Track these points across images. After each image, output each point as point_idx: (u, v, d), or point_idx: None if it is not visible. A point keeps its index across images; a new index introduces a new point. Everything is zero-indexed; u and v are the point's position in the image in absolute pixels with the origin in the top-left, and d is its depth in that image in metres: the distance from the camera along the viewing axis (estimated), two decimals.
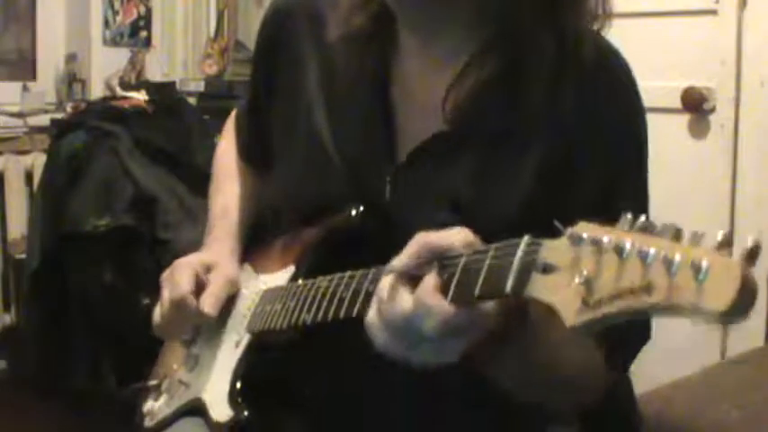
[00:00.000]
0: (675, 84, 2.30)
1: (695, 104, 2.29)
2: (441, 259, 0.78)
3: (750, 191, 2.23)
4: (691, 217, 2.29)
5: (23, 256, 2.97)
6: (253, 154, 1.24)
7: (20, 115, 3.19)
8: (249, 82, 1.23)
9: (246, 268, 1.16)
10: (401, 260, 0.80)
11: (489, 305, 0.76)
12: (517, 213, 0.95)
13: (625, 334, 0.79)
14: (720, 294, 0.55)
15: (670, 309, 0.57)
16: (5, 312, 3.20)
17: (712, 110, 2.29)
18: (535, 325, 0.81)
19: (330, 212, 1.02)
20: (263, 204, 1.23)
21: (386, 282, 0.80)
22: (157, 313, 1.11)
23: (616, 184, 0.97)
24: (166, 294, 1.09)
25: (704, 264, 0.55)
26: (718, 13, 2.25)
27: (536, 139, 0.96)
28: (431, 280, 0.77)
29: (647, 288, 0.58)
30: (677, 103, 2.30)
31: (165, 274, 1.11)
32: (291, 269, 1.05)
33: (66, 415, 2.73)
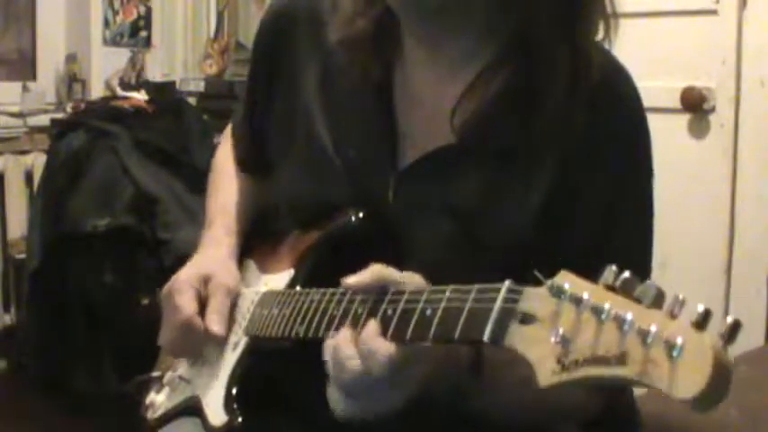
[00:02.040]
0: (675, 84, 2.30)
1: (695, 104, 2.29)
2: (393, 294, 0.82)
3: (750, 191, 2.23)
4: (691, 217, 2.29)
5: (23, 256, 2.97)
6: (251, 163, 1.22)
7: (20, 115, 3.19)
8: (246, 86, 1.21)
9: (250, 265, 1.16)
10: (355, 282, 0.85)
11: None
12: (523, 232, 0.95)
13: None
14: (692, 381, 0.54)
15: (642, 385, 0.57)
16: (5, 312, 3.20)
17: (712, 110, 2.28)
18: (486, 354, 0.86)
19: (330, 216, 1.02)
20: (264, 203, 1.22)
21: (328, 348, 0.84)
22: (164, 337, 1.10)
23: (617, 209, 0.97)
24: (170, 319, 1.07)
25: (678, 341, 0.55)
26: (719, 13, 2.24)
27: (547, 157, 0.96)
28: (371, 325, 0.81)
29: (622, 358, 0.58)
30: (677, 103, 2.30)
31: (164, 294, 1.09)
32: (291, 272, 1.05)
33: (66, 415, 2.73)
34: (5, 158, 3.15)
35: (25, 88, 3.28)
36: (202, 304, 1.07)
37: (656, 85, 2.05)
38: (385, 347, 0.79)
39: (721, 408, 0.57)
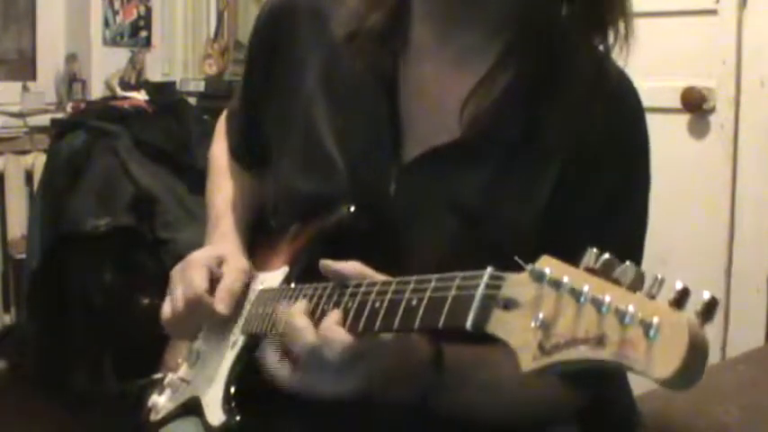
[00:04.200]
0: (675, 84, 2.30)
1: (695, 104, 2.29)
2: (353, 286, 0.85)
3: (750, 191, 2.23)
4: (691, 217, 2.29)
5: (23, 256, 2.97)
6: (244, 153, 1.23)
7: (20, 115, 3.19)
8: (242, 80, 1.21)
9: None
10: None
11: (387, 335, 0.81)
12: (527, 230, 0.95)
13: None
14: (667, 360, 0.54)
15: (620, 366, 0.57)
16: (5, 312, 3.20)
17: (712, 110, 2.28)
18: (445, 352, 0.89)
19: (327, 211, 1.01)
20: (262, 202, 1.22)
21: (289, 321, 0.87)
22: (167, 310, 1.07)
23: (617, 211, 0.98)
24: (180, 292, 1.05)
25: (655, 321, 0.55)
26: (718, 13, 2.24)
27: (553, 156, 0.96)
28: (334, 315, 0.84)
29: (600, 340, 0.58)
30: (677, 103, 2.30)
31: (177, 270, 1.07)
32: (285, 270, 1.05)
33: (66, 415, 2.73)
34: (5, 158, 3.15)
35: (25, 88, 3.28)
36: (214, 283, 1.05)
37: (656, 85, 2.04)
38: (343, 336, 0.82)
39: (721, 408, 0.57)
